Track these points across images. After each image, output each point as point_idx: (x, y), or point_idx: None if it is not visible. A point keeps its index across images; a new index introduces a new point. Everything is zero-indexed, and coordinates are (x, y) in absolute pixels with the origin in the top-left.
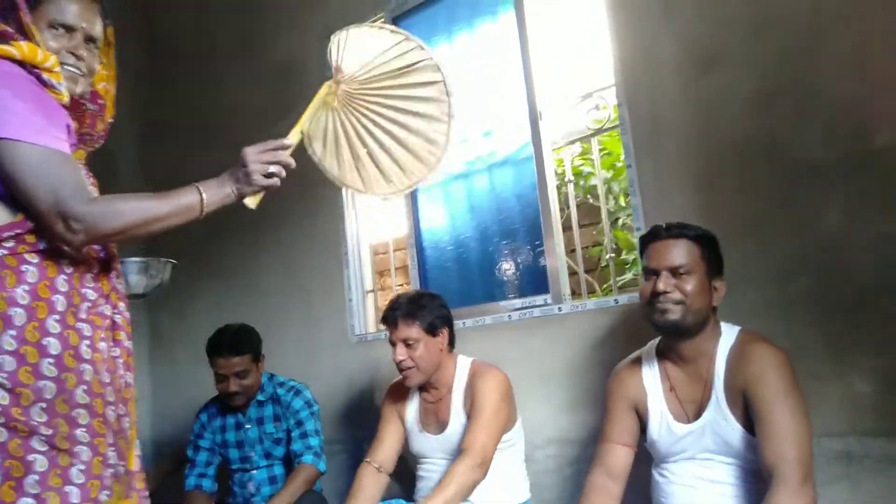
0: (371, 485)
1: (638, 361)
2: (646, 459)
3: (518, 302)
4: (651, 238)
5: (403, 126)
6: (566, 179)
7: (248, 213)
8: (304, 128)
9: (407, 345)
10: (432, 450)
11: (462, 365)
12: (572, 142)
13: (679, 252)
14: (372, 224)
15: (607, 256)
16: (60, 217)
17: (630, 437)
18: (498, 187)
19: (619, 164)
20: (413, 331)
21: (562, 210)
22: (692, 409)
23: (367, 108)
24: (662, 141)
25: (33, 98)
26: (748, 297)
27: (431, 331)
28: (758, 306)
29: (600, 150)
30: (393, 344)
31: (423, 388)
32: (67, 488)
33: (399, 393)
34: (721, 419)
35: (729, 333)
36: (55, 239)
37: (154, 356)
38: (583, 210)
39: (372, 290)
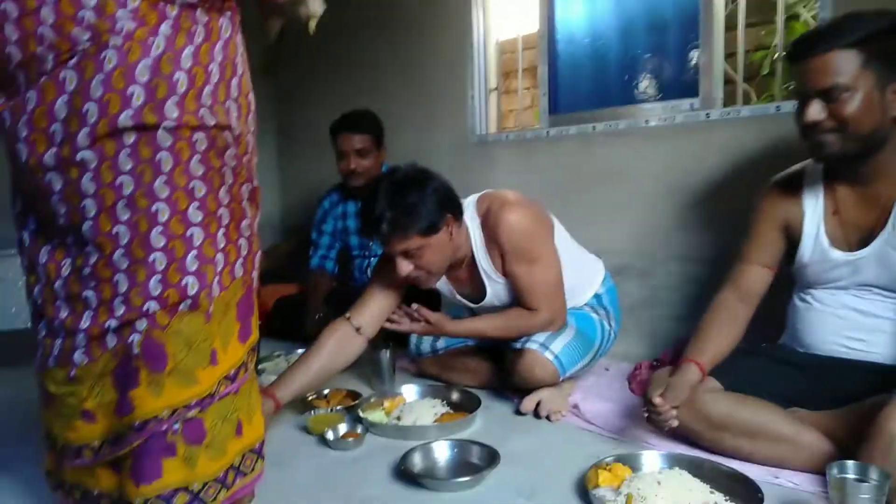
0: (337, 344)
1: (798, 176)
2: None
3: (660, 105)
4: (794, 54)
5: None
6: None
7: (369, 9)
8: None
9: (407, 256)
10: (480, 313)
11: (471, 224)
12: None
13: (830, 69)
14: (500, 18)
15: (775, 56)
16: None
17: (771, 259)
18: None
19: None
20: (410, 242)
21: (725, 3)
22: (857, 237)
23: None
24: None
25: None
26: None
27: (432, 229)
28: None
29: None
30: (390, 259)
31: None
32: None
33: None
34: (893, 251)
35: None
36: None
37: (281, 151)
38: (752, 5)
39: (495, 89)
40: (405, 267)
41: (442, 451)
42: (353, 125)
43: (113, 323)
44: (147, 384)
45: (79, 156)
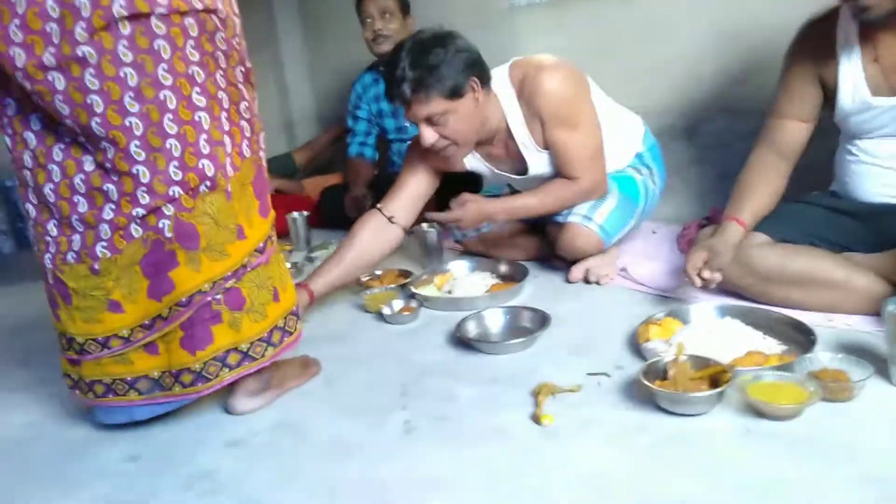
0: (371, 235)
1: (832, 18)
2: (824, 134)
3: None
4: None
5: None
6: None
7: None
8: None
9: (432, 123)
10: (524, 183)
11: (504, 87)
12: None
13: None
14: None
15: None
16: None
17: (807, 113)
18: None
19: None
20: (433, 105)
21: None
22: None
23: None
24: None
25: None
26: None
27: (457, 91)
28: None
29: None
30: (414, 124)
31: (476, 146)
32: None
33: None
34: None
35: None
36: None
37: (308, 36)
38: None
39: None
40: (430, 135)
41: (494, 318)
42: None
43: (140, 211)
44: (186, 262)
45: (79, 50)
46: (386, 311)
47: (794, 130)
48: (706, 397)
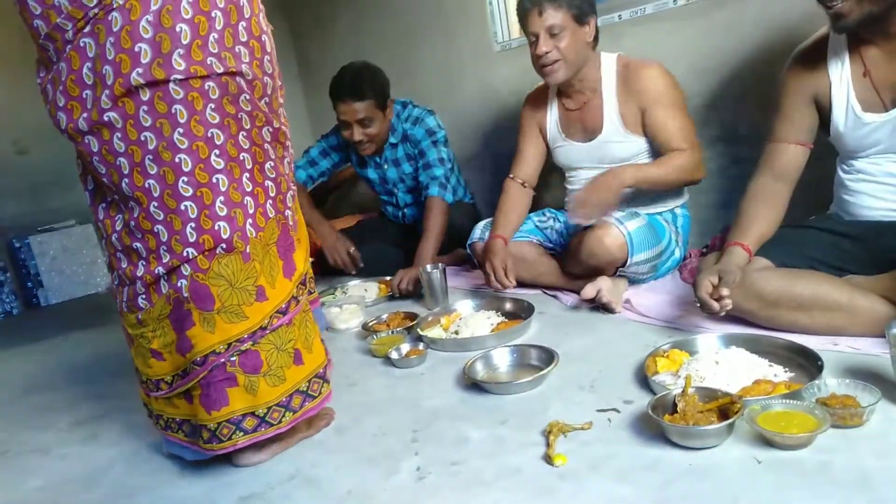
0: (518, 198)
1: (822, 43)
2: (821, 155)
3: None
4: None
5: None
6: None
7: None
8: None
9: (552, 34)
10: (580, 159)
11: (608, 62)
12: None
13: None
14: None
15: None
16: None
17: (805, 135)
18: None
19: None
20: (560, 17)
21: None
22: (890, 96)
23: None
24: None
25: None
26: None
27: (580, 18)
28: None
29: None
30: (534, 37)
31: (562, 94)
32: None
33: (537, 102)
34: None
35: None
36: None
37: (307, 88)
38: None
39: None
40: (547, 44)
41: (502, 358)
42: (353, 92)
43: (161, 269)
44: (200, 323)
45: (105, 117)
46: (394, 355)
47: (792, 154)
48: (716, 430)
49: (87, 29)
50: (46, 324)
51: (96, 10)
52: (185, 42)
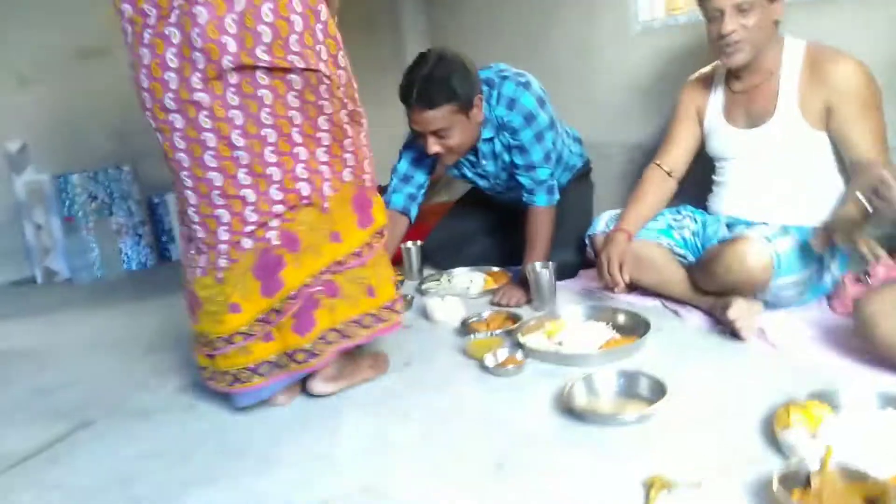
0: (657, 189)
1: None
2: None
3: None
4: None
5: None
6: None
7: None
8: None
9: (741, 10)
10: (737, 148)
11: (793, 47)
12: None
13: None
14: None
15: None
16: None
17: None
18: None
19: None
20: None
21: None
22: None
23: None
24: None
25: None
26: None
27: None
28: None
29: None
30: (718, 13)
31: (731, 73)
32: None
33: (701, 86)
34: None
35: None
36: None
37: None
38: None
39: None
40: (734, 21)
41: (607, 383)
42: (423, 97)
43: (249, 228)
44: (291, 262)
45: (195, 96)
46: (489, 361)
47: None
48: None
49: (173, 19)
50: (174, 278)
51: (182, 2)
52: (266, 41)
